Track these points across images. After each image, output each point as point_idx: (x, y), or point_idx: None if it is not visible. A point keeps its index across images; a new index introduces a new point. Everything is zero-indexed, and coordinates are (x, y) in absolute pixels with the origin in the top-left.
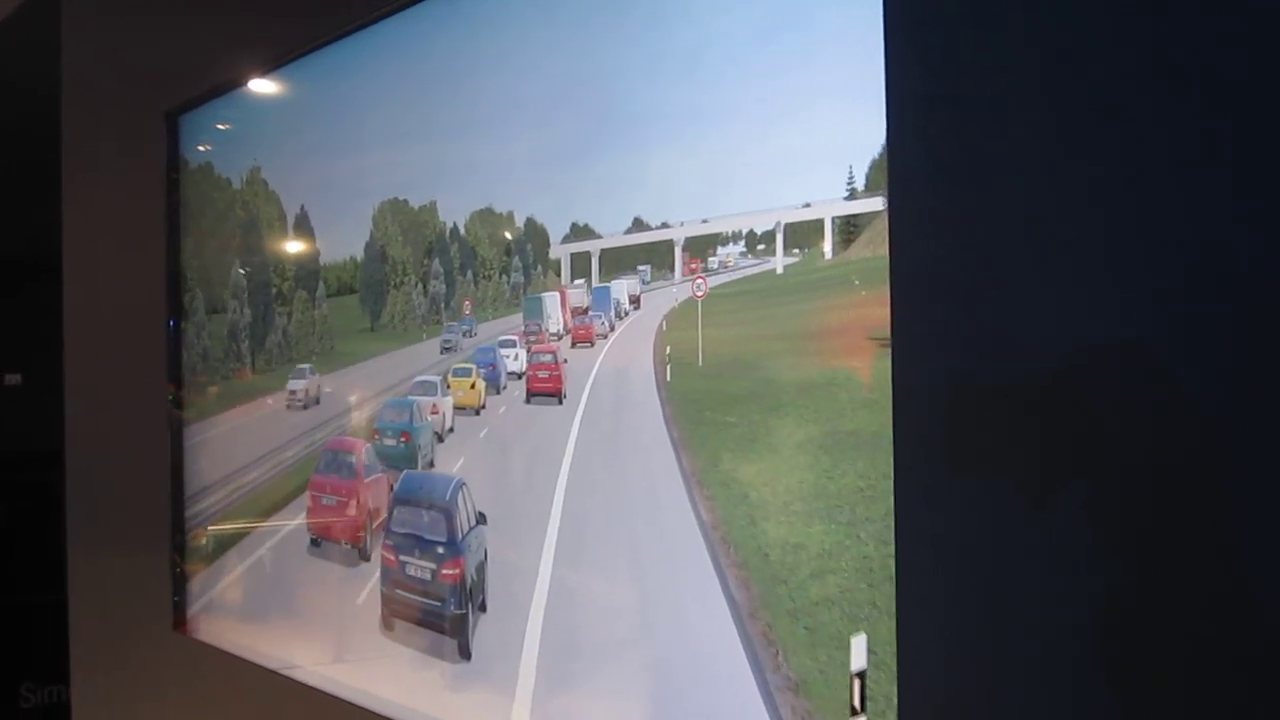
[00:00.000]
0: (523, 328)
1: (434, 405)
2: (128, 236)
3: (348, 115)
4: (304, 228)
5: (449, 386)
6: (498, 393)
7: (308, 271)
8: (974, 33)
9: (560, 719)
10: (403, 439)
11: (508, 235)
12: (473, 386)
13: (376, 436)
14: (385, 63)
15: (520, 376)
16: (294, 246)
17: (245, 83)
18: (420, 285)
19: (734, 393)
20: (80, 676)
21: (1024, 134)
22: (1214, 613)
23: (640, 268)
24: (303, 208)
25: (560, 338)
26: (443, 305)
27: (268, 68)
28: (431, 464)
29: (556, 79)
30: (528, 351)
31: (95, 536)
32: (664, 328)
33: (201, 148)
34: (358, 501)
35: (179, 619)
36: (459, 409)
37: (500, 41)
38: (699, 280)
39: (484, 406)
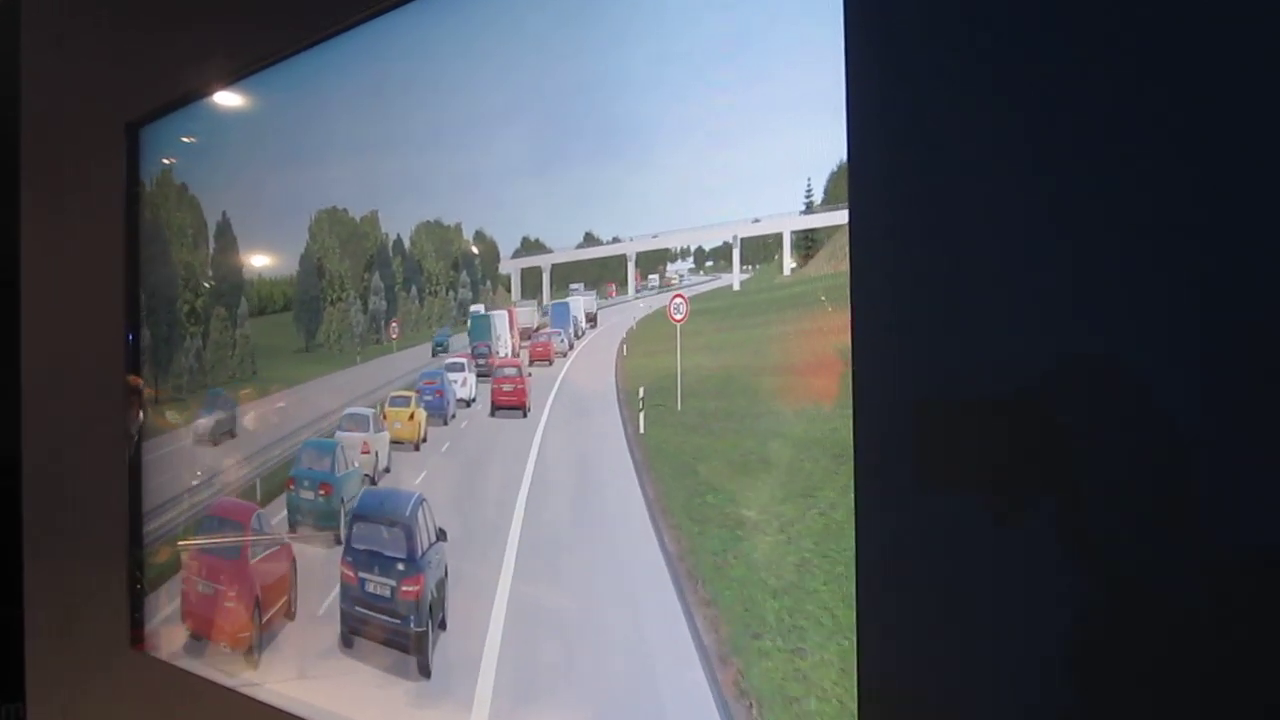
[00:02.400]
0: (469, 349)
1: (364, 444)
2: (87, 249)
3: (297, 127)
4: (226, 238)
5: (384, 419)
6: (445, 423)
7: (230, 286)
8: (938, 41)
9: None
10: (322, 492)
11: (475, 250)
12: (411, 418)
13: (291, 487)
14: (338, 76)
15: (469, 404)
16: (213, 258)
17: (207, 95)
18: (360, 301)
19: (739, 459)
20: (36, 694)
21: (989, 145)
22: (1184, 627)
23: (573, 286)
24: (224, 215)
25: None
26: (383, 323)
27: (227, 80)
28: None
29: (511, 94)
30: (477, 375)
31: (52, 550)
32: (625, 352)
33: (165, 160)
34: (241, 590)
35: (136, 636)
36: (396, 443)
37: (455, 57)
38: (677, 300)
39: (425, 440)
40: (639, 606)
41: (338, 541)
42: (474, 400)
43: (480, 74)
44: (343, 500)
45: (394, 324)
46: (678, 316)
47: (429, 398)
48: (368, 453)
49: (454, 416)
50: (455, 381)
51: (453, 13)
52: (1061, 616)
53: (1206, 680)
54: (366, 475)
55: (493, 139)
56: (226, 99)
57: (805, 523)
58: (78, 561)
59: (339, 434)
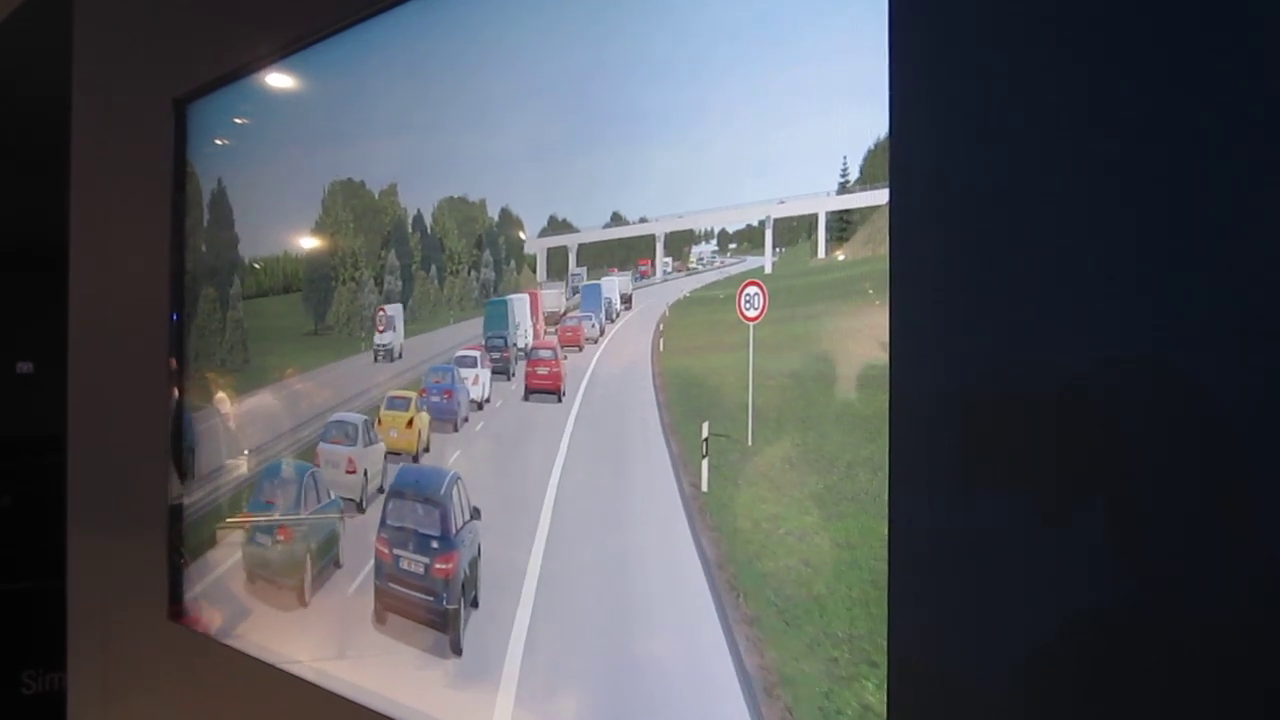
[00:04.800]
0: (483, 340)
1: (349, 460)
2: (134, 226)
3: (321, 107)
4: (221, 209)
5: (378, 425)
6: (455, 429)
7: (225, 263)
8: (988, 15)
9: (545, 714)
10: (280, 537)
11: (522, 234)
12: (410, 425)
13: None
14: (362, 58)
15: (481, 406)
16: (206, 232)
17: (253, 71)
18: (374, 280)
19: (879, 563)
20: (77, 664)
21: (1046, 121)
22: (1231, 630)
23: (574, 271)
24: (220, 182)
25: (526, 354)
26: (403, 305)
27: (273, 57)
28: (336, 562)
29: (544, 76)
30: (492, 372)
31: (95, 524)
32: (662, 348)
33: (219, 141)
34: None
35: (175, 609)
36: (392, 454)
37: (486, 37)
38: (750, 290)
39: (427, 450)
40: None
41: (301, 603)
42: (487, 402)
43: (517, 55)
44: (310, 547)
45: (380, 312)
46: (751, 314)
47: (436, 398)
48: (354, 472)
49: (465, 420)
50: (467, 379)
51: None
52: (1108, 618)
53: (1251, 685)
54: (351, 501)
55: (523, 120)
56: (278, 79)
57: None
58: (119, 535)
59: (321, 446)
